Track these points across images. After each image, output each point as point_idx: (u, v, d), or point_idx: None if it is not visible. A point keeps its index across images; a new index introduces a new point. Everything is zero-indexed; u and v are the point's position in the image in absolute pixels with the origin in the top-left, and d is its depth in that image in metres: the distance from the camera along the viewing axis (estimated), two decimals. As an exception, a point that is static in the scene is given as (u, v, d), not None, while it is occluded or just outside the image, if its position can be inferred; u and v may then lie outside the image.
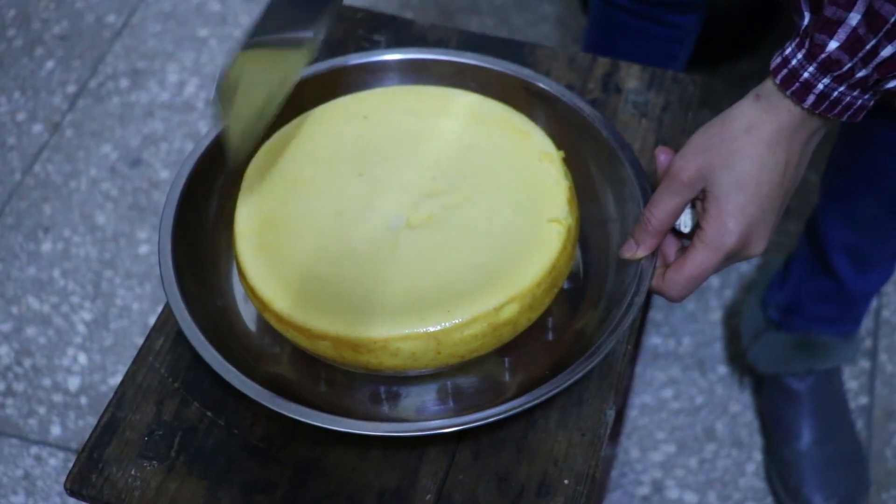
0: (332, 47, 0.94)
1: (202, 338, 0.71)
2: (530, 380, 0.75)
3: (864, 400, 1.40)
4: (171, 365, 0.75)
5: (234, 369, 0.70)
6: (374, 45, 0.94)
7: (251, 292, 0.73)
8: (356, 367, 0.71)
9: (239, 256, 0.74)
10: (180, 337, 0.76)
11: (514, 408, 0.68)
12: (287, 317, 0.71)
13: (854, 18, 0.61)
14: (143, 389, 0.74)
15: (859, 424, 1.37)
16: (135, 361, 0.76)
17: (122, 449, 0.72)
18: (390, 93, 0.83)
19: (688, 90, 0.90)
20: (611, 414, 0.74)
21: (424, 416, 0.75)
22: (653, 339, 1.46)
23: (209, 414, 0.73)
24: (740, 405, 1.40)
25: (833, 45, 0.63)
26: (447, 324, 0.69)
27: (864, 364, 1.42)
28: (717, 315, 1.48)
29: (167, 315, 0.78)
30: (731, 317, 1.47)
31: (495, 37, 0.94)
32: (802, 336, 1.27)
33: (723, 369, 1.43)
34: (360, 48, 0.94)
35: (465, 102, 0.82)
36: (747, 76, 1.71)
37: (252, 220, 0.75)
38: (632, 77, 0.91)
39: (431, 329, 0.69)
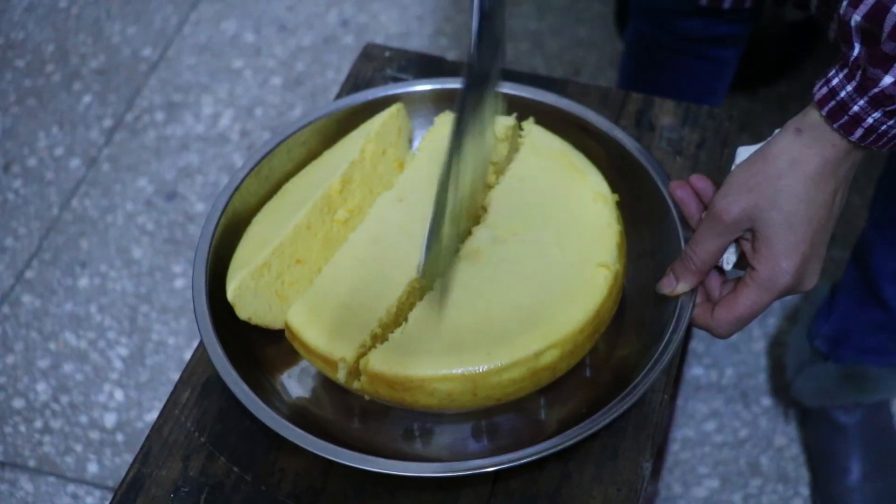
0: (359, 86, 0.93)
1: (236, 375, 0.69)
2: (568, 418, 0.72)
3: (915, 432, 1.35)
4: (198, 418, 0.74)
5: (266, 407, 0.68)
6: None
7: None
8: (390, 402, 0.69)
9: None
10: (207, 389, 0.75)
11: (549, 448, 0.65)
12: (314, 348, 0.69)
13: None
14: (168, 444, 0.73)
15: (910, 458, 1.33)
16: (161, 415, 0.75)
17: (148, 506, 0.71)
18: (441, 118, 0.82)
19: (723, 126, 0.88)
20: (647, 467, 0.71)
21: (458, 455, 0.72)
22: (694, 371, 1.42)
23: (236, 469, 0.72)
24: (786, 438, 1.36)
25: (888, 80, 0.61)
26: (485, 367, 0.67)
27: (915, 395, 1.38)
28: (760, 345, 1.44)
29: (194, 366, 0.77)
30: (775, 346, 1.44)
31: (526, 73, 0.92)
32: (851, 368, 1.23)
33: (767, 401, 1.40)
34: (388, 87, 0.92)
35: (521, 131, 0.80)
36: (786, 99, 1.68)
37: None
38: (666, 113, 0.89)
39: (470, 372, 0.67)
